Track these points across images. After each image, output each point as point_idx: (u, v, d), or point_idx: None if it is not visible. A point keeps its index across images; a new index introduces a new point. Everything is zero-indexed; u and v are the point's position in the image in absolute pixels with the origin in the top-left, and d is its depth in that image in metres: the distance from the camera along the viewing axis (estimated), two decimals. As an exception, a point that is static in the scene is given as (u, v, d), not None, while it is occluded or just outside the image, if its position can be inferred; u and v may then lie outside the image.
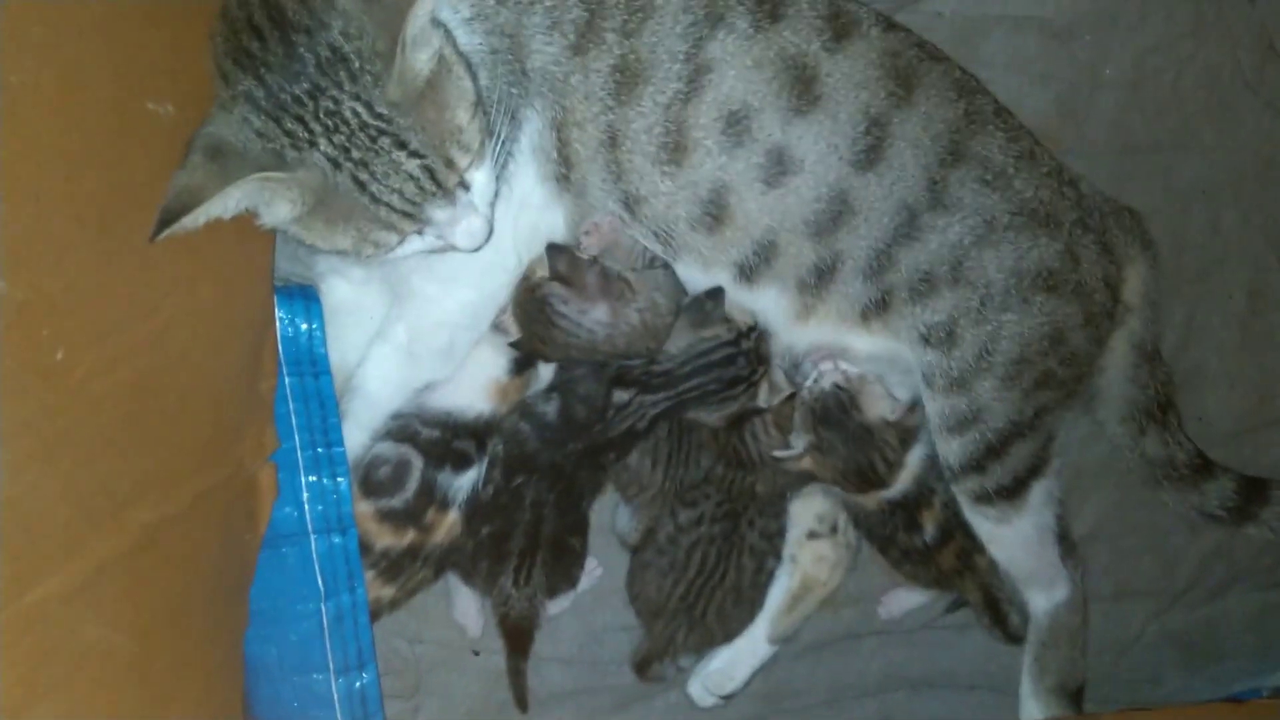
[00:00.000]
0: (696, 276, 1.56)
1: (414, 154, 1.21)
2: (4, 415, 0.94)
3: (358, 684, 1.55)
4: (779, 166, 1.45)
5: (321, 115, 1.18)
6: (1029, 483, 1.60)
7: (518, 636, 1.67)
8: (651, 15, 1.42)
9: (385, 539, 1.57)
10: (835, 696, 1.91)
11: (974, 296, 1.50)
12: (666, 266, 1.56)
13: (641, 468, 1.70)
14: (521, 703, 1.69)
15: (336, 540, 1.51)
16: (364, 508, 1.55)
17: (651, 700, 1.84)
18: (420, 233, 1.29)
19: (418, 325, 1.54)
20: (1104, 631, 1.91)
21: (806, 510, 1.77)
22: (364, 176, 1.21)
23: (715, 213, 1.47)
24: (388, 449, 1.57)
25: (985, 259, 1.49)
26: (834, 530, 1.77)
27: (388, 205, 1.23)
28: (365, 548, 1.54)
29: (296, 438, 1.50)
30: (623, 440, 1.65)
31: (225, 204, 1.16)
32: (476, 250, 1.32)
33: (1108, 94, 1.91)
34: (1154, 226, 1.70)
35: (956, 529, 1.70)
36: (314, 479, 1.51)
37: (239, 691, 1.44)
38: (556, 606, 1.72)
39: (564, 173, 1.47)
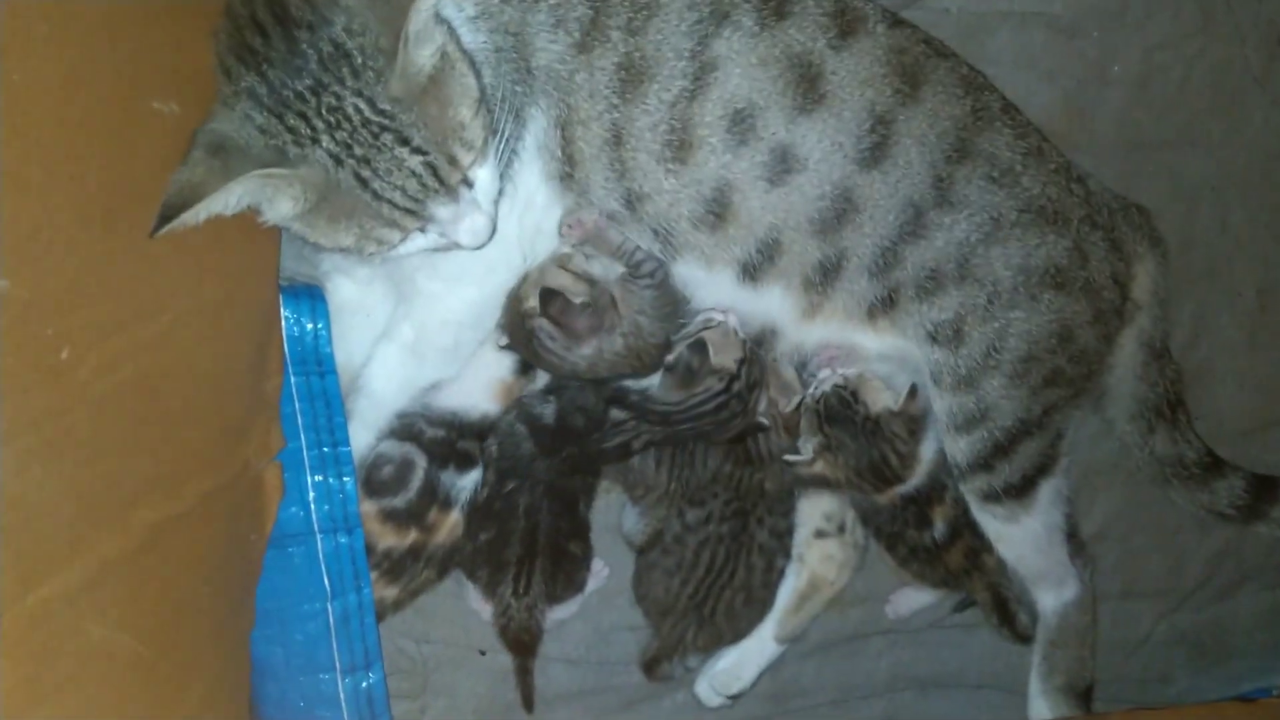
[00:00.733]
0: (698, 275, 1.55)
1: (416, 150, 1.21)
2: (8, 414, 0.94)
3: (364, 684, 1.55)
4: (783, 165, 1.44)
5: (324, 111, 1.18)
6: (1037, 481, 1.60)
7: (519, 647, 1.67)
8: (657, 13, 1.41)
9: (388, 539, 1.56)
10: (843, 696, 1.90)
11: (981, 294, 1.50)
12: (660, 266, 1.54)
13: (646, 469, 1.70)
14: (528, 703, 1.69)
15: (343, 540, 1.51)
16: (367, 508, 1.55)
17: (659, 700, 1.84)
18: (423, 230, 1.28)
19: (423, 324, 1.54)
20: (1113, 631, 1.90)
21: (814, 509, 1.77)
22: (366, 173, 1.20)
23: (718, 211, 1.47)
24: (391, 448, 1.57)
25: (993, 256, 1.49)
26: (841, 529, 1.77)
27: (390, 202, 1.23)
28: (368, 548, 1.54)
29: (302, 437, 1.50)
30: (617, 453, 1.65)
31: (226, 200, 1.16)
32: (480, 248, 1.32)
33: (1115, 91, 1.90)
34: (1162, 223, 1.69)
35: (965, 527, 1.69)
36: (320, 478, 1.51)
37: (246, 691, 1.44)
38: (564, 611, 1.71)
39: (568, 171, 1.46)
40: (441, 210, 1.26)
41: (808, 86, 1.43)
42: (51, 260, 1.00)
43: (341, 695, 1.53)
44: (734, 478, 1.70)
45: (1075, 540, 1.72)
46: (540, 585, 1.64)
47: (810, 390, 1.66)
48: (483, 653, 1.78)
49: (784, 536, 1.75)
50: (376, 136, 1.19)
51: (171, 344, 1.18)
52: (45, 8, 0.98)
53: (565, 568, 1.67)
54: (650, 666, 1.75)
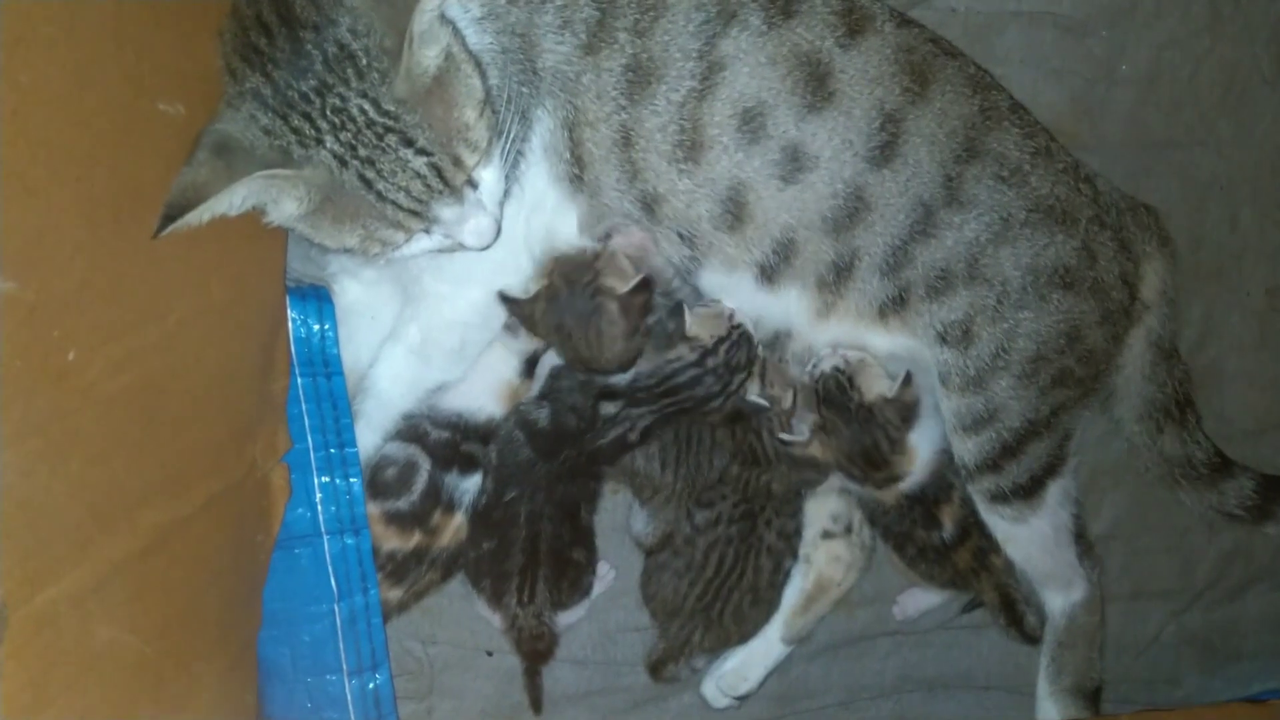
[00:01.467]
0: (720, 280, 1.55)
1: (421, 151, 1.21)
2: (15, 416, 0.94)
3: (371, 685, 1.55)
4: (795, 163, 1.44)
5: (328, 112, 1.18)
6: (1045, 482, 1.59)
7: (535, 655, 1.67)
8: (664, 13, 1.41)
9: (391, 541, 1.56)
10: (850, 697, 1.90)
11: (990, 294, 1.50)
12: (678, 307, 1.59)
13: (651, 470, 1.69)
14: (536, 705, 1.69)
15: (349, 541, 1.51)
16: (370, 509, 1.54)
17: (665, 701, 1.84)
18: (428, 231, 1.28)
19: (430, 325, 1.54)
20: (1121, 632, 1.90)
21: (821, 510, 1.77)
22: (370, 174, 1.20)
23: (735, 210, 1.47)
24: (395, 449, 1.57)
25: (1002, 256, 1.49)
26: (849, 530, 1.77)
27: (394, 203, 1.23)
28: (372, 550, 1.54)
29: (309, 438, 1.50)
30: (614, 449, 1.64)
31: (230, 201, 1.16)
32: (485, 249, 1.31)
33: (1124, 90, 1.90)
34: (1171, 223, 1.69)
35: (974, 528, 1.69)
36: (327, 480, 1.51)
37: (253, 693, 1.45)
38: (572, 615, 1.71)
39: (577, 173, 1.46)
40: (446, 211, 1.26)
41: (817, 84, 1.43)
42: (57, 262, 1.00)
43: (349, 696, 1.53)
44: (741, 479, 1.70)
45: (1083, 541, 1.71)
46: (545, 593, 1.63)
47: (809, 367, 1.66)
48: (490, 654, 1.78)
49: (791, 538, 1.75)
50: (381, 137, 1.19)
51: (178, 346, 1.18)
52: (51, 9, 0.98)
53: (569, 575, 1.66)
54: (656, 668, 1.74)
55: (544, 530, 1.63)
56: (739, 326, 1.60)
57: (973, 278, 1.49)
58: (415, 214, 1.25)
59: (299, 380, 1.50)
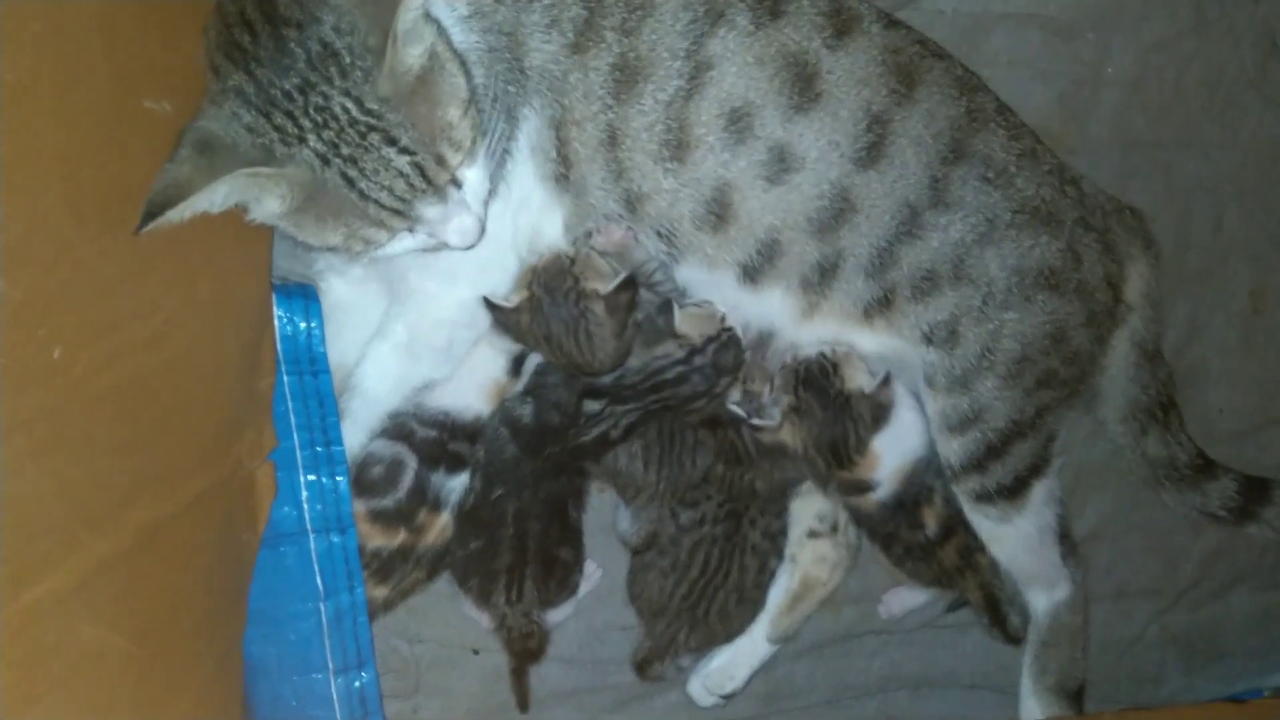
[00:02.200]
0: (700, 277, 1.55)
1: (404, 150, 1.20)
2: (1, 414, 0.93)
3: (357, 684, 1.55)
4: (781, 164, 1.44)
5: (311, 111, 1.18)
6: (1030, 482, 1.60)
7: (526, 654, 1.67)
8: (651, 13, 1.41)
9: (376, 539, 1.56)
10: (836, 696, 1.91)
11: (976, 295, 1.50)
12: (668, 303, 1.57)
13: (634, 469, 1.70)
14: (523, 703, 1.69)
15: (335, 539, 1.51)
16: (356, 507, 1.54)
17: (651, 700, 1.84)
18: (411, 230, 1.28)
19: (417, 323, 1.54)
20: (1105, 631, 1.91)
21: (807, 509, 1.77)
22: (353, 173, 1.20)
23: (719, 211, 1.47)
24: (382, 447, 1.57)
25: (987, 257, 1.49)
26: (834, 529, 1.77)
27: (376, 202, 1.22)
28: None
29: (295, 436, 1.50)
30: (597, 446, 1.65)
31: (212, 198, 1.16)
32: (469, 248, 1.31)
33: (1110, 92, 1.90)
34: (1156, 225, 1.69)
35: (959, 525, 1.69)
36: (313, 478, 1.51)
37: (238, 691, 1.44)
38: (559, 614, 1.71)
39: (563, 172, 1.46)
40: (429, 211, 1.26)
41: (804, 85, 1.43)
42: (44, 260, 0.99)
43: (334, 695, 1.53)
44: (725, 479, 1.70)
45: (1067, 541, 1.72)
46: (533, 591, 1.64)
47: (793, 351, 1.66)
48: (476, 652, 1.78)
49: (777, 537, 1.75)
50: (364, 136, 1.19)
51: (164, 343, 1.18)
52: (39, 7, 0.98)
53: (557, 573, 1.66)
54: (643, 667, 1.75)
55: (532, 528, 1.63)
56: (729, 329, 1.60)
57: (958, 279, 1.50)
58: (398, 213, 1.24)
59: (285, 378, 1.50)
